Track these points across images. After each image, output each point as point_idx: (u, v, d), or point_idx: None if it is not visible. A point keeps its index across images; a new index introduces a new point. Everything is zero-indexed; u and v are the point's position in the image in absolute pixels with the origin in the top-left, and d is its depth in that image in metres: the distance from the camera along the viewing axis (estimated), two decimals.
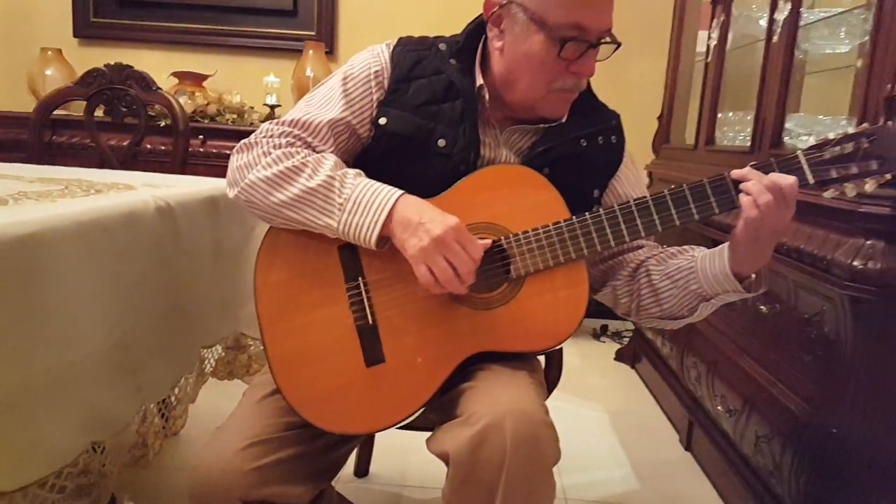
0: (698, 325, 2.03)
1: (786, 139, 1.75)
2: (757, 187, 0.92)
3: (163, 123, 2.67)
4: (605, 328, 3.19)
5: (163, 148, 2.81)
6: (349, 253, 1.02)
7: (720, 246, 1.03)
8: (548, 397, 1.32)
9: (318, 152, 1.04)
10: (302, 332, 1.01)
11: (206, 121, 2.88)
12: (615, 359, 2.86)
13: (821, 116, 1.81)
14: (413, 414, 0.99)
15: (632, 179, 1.18)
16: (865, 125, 0.99)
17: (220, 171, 3.12)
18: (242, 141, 1.06)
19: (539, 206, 1.00)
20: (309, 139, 1.05)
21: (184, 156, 1.85)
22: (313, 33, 3.24)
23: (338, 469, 1.09)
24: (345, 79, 1.09)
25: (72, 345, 0.96)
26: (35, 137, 1.86)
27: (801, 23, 1.70)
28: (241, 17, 3.25)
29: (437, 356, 0.99)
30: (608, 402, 2.41)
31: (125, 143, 2.00)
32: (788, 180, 0.92)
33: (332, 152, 1.06)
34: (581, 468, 1.93)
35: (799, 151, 0.98)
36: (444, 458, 0.93)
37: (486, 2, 1.05)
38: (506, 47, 1.05)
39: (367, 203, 0.95)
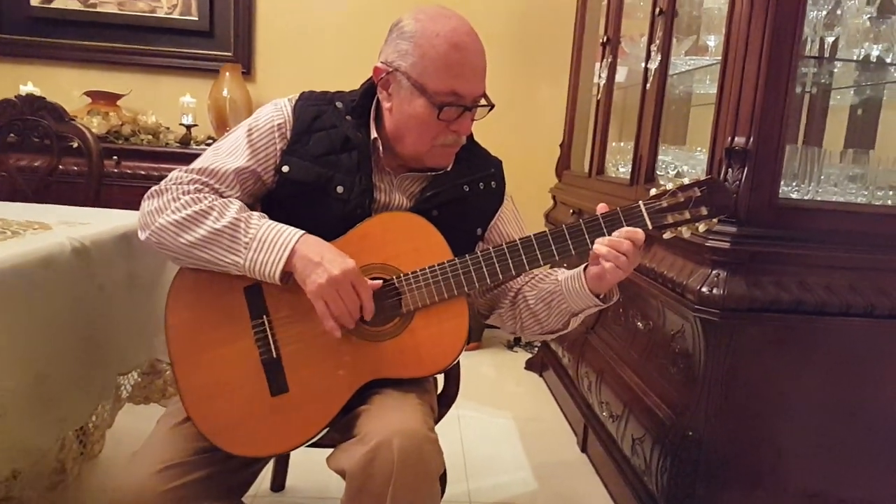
0: (590, 339, 2.24)
1: (659, 173, 1.96)
2: (603, 250, 1.10)
3: (76, 144, 2.67)
4: (518, 339, 3.37)
5: (76, 169, 2.82)
6: (254, 293, 1.13)
7: (579, 268, 1.20)
8: (448, 409, 1.49)
9: (225, 198, 1.15)
10: (211, 366, 1.11)
11: (120, 141, 2.90)
12: (525, 368, 3.04)
13: (697, 150, 2.04)
14: (316, 436, 1.12)
15: (511, 220, 1.34)
16: (697, 177, 1.18)
17: (135, 192, 3.12)
18: (153, 188, 1.15)
19: (426, 248, 1.15)
20: (216, 185, 1.16)
21: (97, 187, 1.90)
22: (230, 54, 3.29)
23: (248, 486, 1.19)
24: (250, 130, 1.20)
25: None
26: None
27: (673, 71, 1.93)
28: (156, 36, 3.27)
29: (336, 384, 1.12)
30: (517, 409, 2.58)
31: (36, 164, 2.02)
32: (623, 246, 1.09)
33: (238, 198, 1.17)
34: (486, 473, 2.09)
35: (640, 202, 1.16)
36: (342, 473, 1.06)
37: (376, 68, 1.19)
38: (394, 108, 1.19)
39: (271, 241, 1.07)
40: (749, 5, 1.42)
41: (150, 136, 2.93)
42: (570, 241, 1.14)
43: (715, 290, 1.43)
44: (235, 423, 1.10)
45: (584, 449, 2.26)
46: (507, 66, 3.33)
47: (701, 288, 1.45)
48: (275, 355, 1.12)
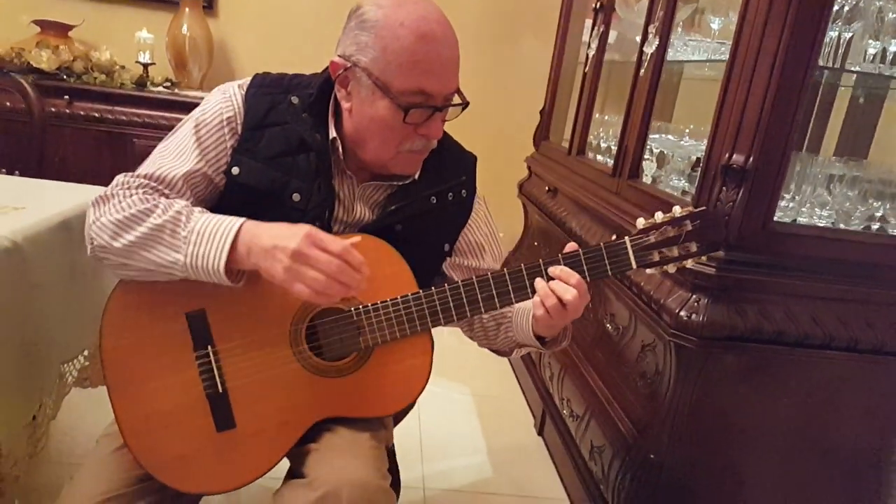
0: None
1: (645, 162, 1.87)
2: (550, 301, 1.01)
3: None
4: None
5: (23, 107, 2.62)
6: (197, 320, 1.03)
7: (531, 303, 1.10)
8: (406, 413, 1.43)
9: None
10: (151, 398, 1.02)
11: (71, 79, 2.68)
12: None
13: (686, 132, 1.94)
14: (264, 474, 1.05)
15: (482, 226, 1.24)
16: (690, 209, 1.10)
17: (87, 135, 2.94)
18: (98, 195, 1.03)
19: (389, 278, 1.05)
20: (165, 191, 1.04)
21: (40, 147, 1.74)
22: None
23: None
24: (197, 126, 1.07)
25: None
26: None
27: (671, 57, 1.80)
28: None
29: (287, 422, 1.04)
30: (476, 386, 2.56)
31: None
32: (568, 295, 1.01)
33: (188, 201, 1.05)
34: (442, 456, 2.07)
35: (626, 238, 1.07)
36: None
37: (332, 63, 1.05)
38: (353, 109, 1.05)
39: (211, 231, 0.95)
40: (766, 8, 1.30)
41: (103, 76, 2.71)
42: (526, 280, 1.06)
43: (694, 317, 1.38)
44: (178, 459, 1.03)
45: (540, 432, 2.26)
46: (490, 14, 3.13)
47: (679, 311, 1.39)
48: (220, 389, 1.03)
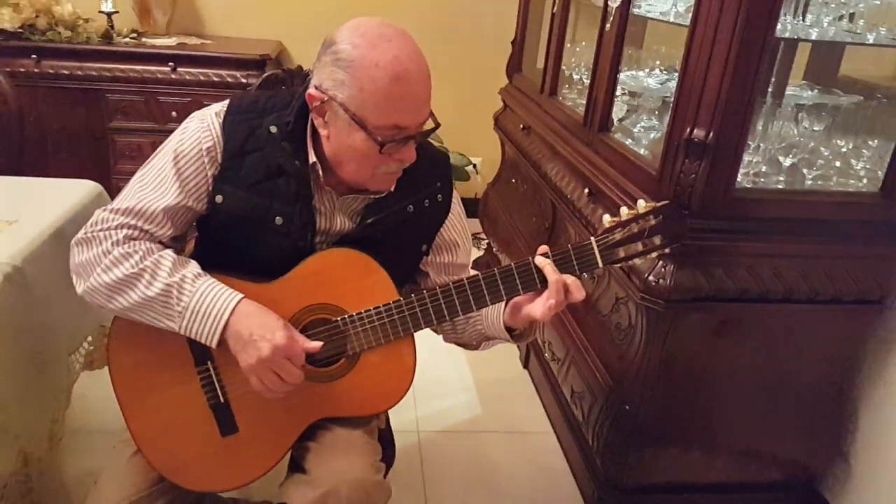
0: None
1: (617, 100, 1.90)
2: (553, 296, 1.08)
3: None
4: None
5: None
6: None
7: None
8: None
9: (156, 237, 1.10)
10: (159, 410, 1.12)
11: (36, 37, 2.62)
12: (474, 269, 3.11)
13: (652, 74, 1.94)
14: (268, 471, 1.17)
15: (457, 225, 1.30)
16: (653, 204, 1.16)
17: (62, 95, 2.93)
18: (79, 235, 1.07)
19: (370, 287, 1.13)
20: (146, 227, 1.09)
21: (20, 137, 1.75)
22: None
23: (202, 500, 1.25)
24: (176, 157, 1.10)
25: None
26: None
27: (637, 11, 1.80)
28: None
29: (285, 424, 1.15)
30: None
31: None
32: (576, 296, 1.09)
33: (170, 235, 1.11)
34: (433, 397, 2.22)
35: (592, 239, 1.13)
36: None
37: (309, 94, 1.07)
38: (331, 137, 1.09)
39: (204, 313, 1.03)
40: None
41: (68, 32, 2.65)
42: (518, 282, 1.13)
43: (661, 282, 1.47)
44: (188, 462, 1.14)
45: (525, 365, 2.40)
46: None
47: (648, 276, 1.48)
48: (222, 399, 1.13)
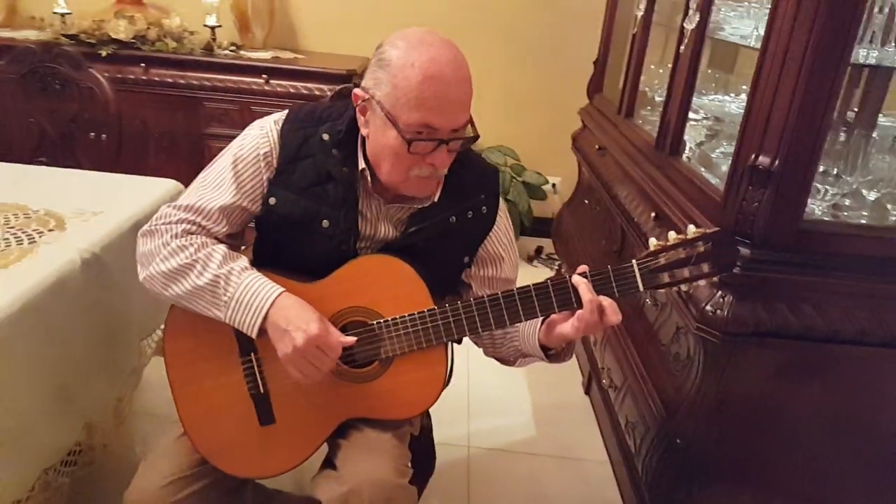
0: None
1: (694, 119, 1.86)
2: (587, 315, 1.08)
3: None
4: (539, 250, 3.37)
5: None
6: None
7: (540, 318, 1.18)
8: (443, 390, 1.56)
9: (212, 233, 1.18)
10: (205, 395, 1.19)
11: (146, 47, 2.84)
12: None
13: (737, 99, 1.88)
14: (300, 464, 1.21)
15: (502, 238, 1.31)
16: (703, 230, 1.13)
17: (160, 100, 3.14)
18: (145, 227, 1.17)
19: (407, 295, 1.16)
20: (203, 223, 1.17)
21: (118, 139, 1.90)
22: None
23: (242, 488, 1.31)
24: (235, 161, 1.18)
25: (11, 413, 1.14)
26: None
27: (714, 33, 1.75)
28: None
29: (319, 420, 1.20)
30: None
31: (62, 109, 2.02)
32: (612, 319, 1.08)
33: (225, 232, 1.19)
34: (488, 414, 2.22)
35: (634, 261, 1.12)
36: (318, 501, 1.17)
37: (354, 94, 1.13)
38: (370, 136, 1.15)
39: (247, 304, 1.10)
40: (795, 8, 1.26)
41: (174, 43, 2.85)
42: (554, 300, 1.13)
43: (718, 312, 1.41)
44: (228, 448, 1.20)
45: (587, 392, 2.36)
46: None
47: (705, 306, 1.43)
48: (262, 390, 1.19)
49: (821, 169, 1.47)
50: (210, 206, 1.17)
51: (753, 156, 1.35)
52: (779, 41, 1.30)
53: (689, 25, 1.74)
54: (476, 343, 1.35)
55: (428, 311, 1.15)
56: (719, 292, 1.43)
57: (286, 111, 1.23)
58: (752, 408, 1.52)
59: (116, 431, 1.54)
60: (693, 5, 1.73)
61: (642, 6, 2.20)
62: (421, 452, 1.60)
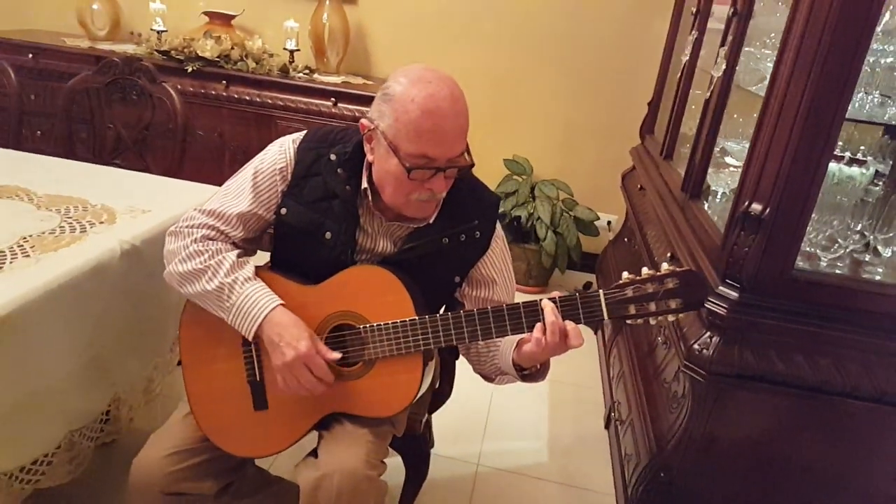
0: (623, 328, 2.27)
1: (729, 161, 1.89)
2: (546, 336, 1.15)
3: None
4: (588, 285, 3.40)
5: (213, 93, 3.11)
6: None
7: (519, 337, 1.25)
8: (442, 405, 1.65)
9: (230, 237, 1.32)
10: (210, 378, 1.34)
11: (228, 66, 3.10)
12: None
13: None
14: (288, 447, 1.33)
15: (496, 262, 1.39)
16: (673, 268, 1.18)
17: (237, 116, 3.38)
18: (172, 227, 1.33)
19: (392, 304, 1.26)
20: (222, 227, 1.32)
21: (182, 146, 2.11)
22: None
23: (241, 467, 1.44)
24: (255, 173, 1.33)
25: (46, 375, 1.32)
26: (64, 126, 2.17)
27: (741, 81, 1.78)
28: None
29: (306, 410, 1.31)
30: (558, 370, 2.65)
31: (137, 117, 2.26)
32: (573, 342, 1.15)
33: (242, 237, 1.33)
34: (503, 436, 2.27)
35: (601, 291, 1.19)
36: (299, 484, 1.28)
37: (361, 123, 1.26)
38: (375, 162, 1.27)
39: (245, 313, 1.24)
40: (793, 60, 1.30)
41: (254, 63, 3.10)
42: (524, 320, 1.21)
43: (704, 352, 1.44)
44: (226, 427, 1.33)
45: (607, 426, 2.37)
46: None
47: (693, 344, 1.47)
48: (258, 378, 1.32)
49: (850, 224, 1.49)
50: (229, 213, 1.32)
51: (747, 202, 1.39)
52: (777, 92, 1.34)
53: (717, 73, 1.78)
54: (465, 356, 1.44)
55: (410, 320, 1.25)
56: (708, 332, 1.46)
57: (305, 131, 1.37)
58: (740, 451, 1.53)
59: (144, 409, 1.71)
60: (721, 53, 1.77)
61: (687, 52, 2.25)
62: (416, 458, 1.70)
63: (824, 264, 1.52)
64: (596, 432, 2.37)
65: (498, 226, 1.40)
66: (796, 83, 1.29)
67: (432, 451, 2.11)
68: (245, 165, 1.37)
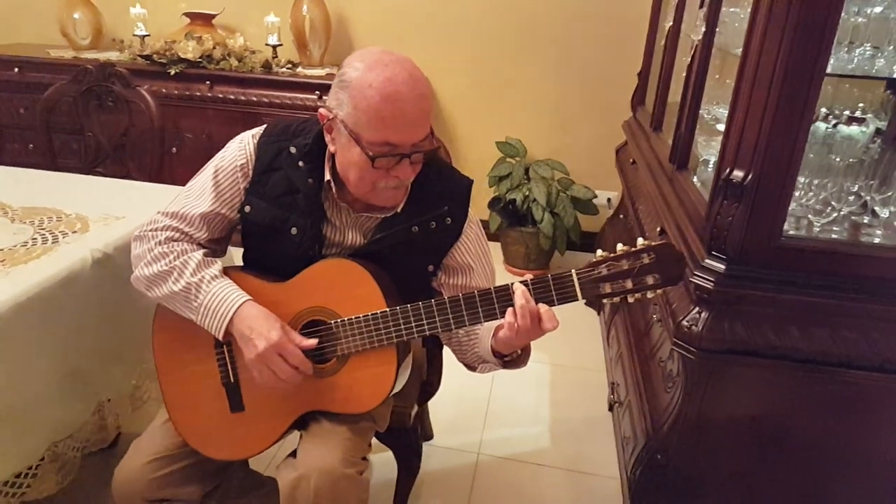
0: (621, 307, 2.22)
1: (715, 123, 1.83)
2: (517, 320, 1.10)
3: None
4: None
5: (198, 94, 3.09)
6: None
7: (496, 323, 1.21)
8: (429, 399, 1.62)
9: (194, 238, 1.29)
10: (184, 381, 1.31)
11: (211, 66, 3.07)
12: (585, 303, 3.05)
13: None
14: (268, 448, 1.30)
15: (470, 248, 1.34)
16: (648, 242, 1.13)
17: (223, 116, 3.36)
18: (137, 232, 1.30)
19: (362, 297, 1.22)
20: (185, 229, 1.29)
21: (160, 151, 2.08)
22: None
23: (223, 472, 1.41)
24: (216, 172, 1.29)
25: (22, 388, 1.30)
26: (44, 138, 2.15)
27: (720, 39, 1.72)
28: None
29: (283, 410, 1.28)
30: (557, 354, 2.64)
31: (113, 124, 2.24)
32: (547, 326, 1.10)
33: (206, 238, 1.30)
34: (503, 424, 2.23)
35: (573, 271, 1.13)
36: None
37: (320, 113, 1.21)
38: (337, 152, 1.22)
39: (213, 311, 1.20)
40: (766, 14, 1.23)
41: (237, 62, 3.07)
42: (496, 305, 1.16)
43: (693, 328, 1.40)
44: (204, 431, 1.31)
45: (611, 408, 2.32)
46: None
47: (682, 320, 1.42)
48: (232, 379, 1.29)
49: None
50: (191, 214, 1.29)
51: (728, 169, 1.33)
52: (752, 51, 1.28)
53: (697, 37, 1.72)
54: (447, 345, 1.40)
55: (381, 312, 1.21)
56: (696, 308, 1.41)
57: (265, 125, 1.33)
58: (737, 429, 1.48)
59: (132, 416, 1.69)
60: (701, 15, 1.71)
61: (670, 17, 2.18)
62: (407, 452, 1.67)
63: (818, 229, 1.46)
64: (600, 415, 2.32)
65: (471, 210, 1.36)
66: (771, 39, 1.23)
67: (431, 442, 2.10)
68: (207, 164, 1.33)
